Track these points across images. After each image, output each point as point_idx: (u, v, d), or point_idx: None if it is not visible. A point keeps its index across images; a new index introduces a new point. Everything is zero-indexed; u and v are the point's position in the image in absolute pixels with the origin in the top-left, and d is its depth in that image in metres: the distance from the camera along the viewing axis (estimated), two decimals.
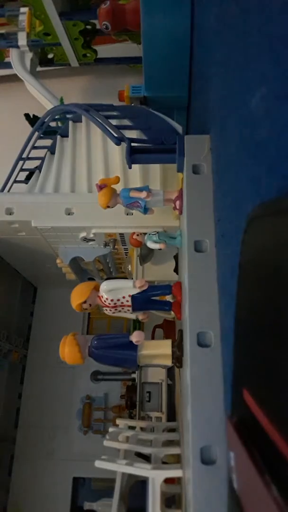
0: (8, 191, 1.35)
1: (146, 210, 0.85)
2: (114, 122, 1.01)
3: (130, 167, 0.82)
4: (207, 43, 0.79)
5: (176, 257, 1.08)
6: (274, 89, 0.33)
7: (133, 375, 1.46)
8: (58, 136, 1.31)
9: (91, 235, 1.12)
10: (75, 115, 1.25)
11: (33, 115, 1.86)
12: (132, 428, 1.07)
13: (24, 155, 1.38)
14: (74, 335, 0.79)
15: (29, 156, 1.39)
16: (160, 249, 0.89)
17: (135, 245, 1.01)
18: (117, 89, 1.41)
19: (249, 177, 0.41)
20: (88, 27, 1.89)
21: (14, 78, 1.98)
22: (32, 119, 1.86)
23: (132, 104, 1.35)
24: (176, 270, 1.08)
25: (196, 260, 0.62)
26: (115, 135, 0.88)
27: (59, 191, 1.18)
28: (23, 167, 1.39)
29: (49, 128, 1.40)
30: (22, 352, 1.71)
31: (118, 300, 0.80)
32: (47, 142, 1.38)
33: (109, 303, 0.80)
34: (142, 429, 1.09)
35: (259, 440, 0.31)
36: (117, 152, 1.10)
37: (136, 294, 0.80)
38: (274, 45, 0.33)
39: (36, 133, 1.40)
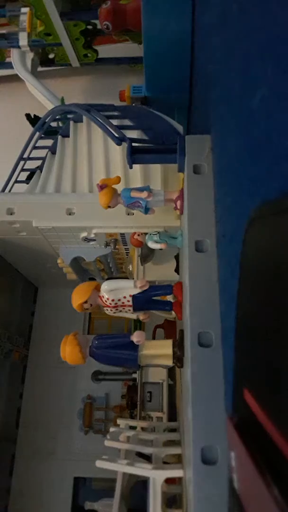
0: (9, 191, 1.35)
1: (147, 210, 0.85)
2: (115, 122, 1.01)
3: (131, 167, 0.82)
4: (208, 43, 0.79)
5: (177, 257, 1.08)
6: (274, 89, 0.33)
7: (134, 375, 1.46)
8: (59, 136, 1.31)
9: (92, 235, 1.12)
10: (76, 115, 1.25)
11: (34, 115, 1.86)
12: (133, 428, 1.07)
13: (25, 155, 1.39)
14: (75, 335, 0.79)
15: (30, 156, 1.39)
16: (161, 249, 0.89)
17: (136, 245, 1.01)
18: (118, 89, 1.41)
19: (250, 177, 0.41)
20: (89, 27, 1.89)
21: (15, 78, 1.99)
22: (33, 119, 1.86)
23: (133, 104, 1.35)
24: (177, 270, 1.08)
25: (197, 260, 0.62)
26: (116, 135, 0.88)
27: (60, 191, 1.18)
28: (24, 167, 1.40)
29: (50, 128, 1.40)
30: (23, 352, 1.71)
31: (119, 300, 0.80)
32: (48, 142, 1.38)
33: (110, 303, 0.80)
34: (143, 429, 1.09)
35: (260, 440, 0.31)
36: (118, 152, 1.10)
37: (137, 294, 0.80)
38: (274, 44, 0.33)
39: (37, 133, 1.40)
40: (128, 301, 0.80)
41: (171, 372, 1.31)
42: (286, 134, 0.30)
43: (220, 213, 0.60)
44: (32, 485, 1.58)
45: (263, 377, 0.33)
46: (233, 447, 0.37)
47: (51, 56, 2.11)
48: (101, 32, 1.84)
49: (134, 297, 0.80)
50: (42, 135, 1.40)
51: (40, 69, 2.05)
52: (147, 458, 0.86)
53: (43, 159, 1.35)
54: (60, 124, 1.45)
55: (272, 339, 0.31)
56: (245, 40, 0.43)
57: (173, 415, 1.25)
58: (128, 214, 1.04)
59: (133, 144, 0.80)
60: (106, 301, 0.80)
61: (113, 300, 0.80)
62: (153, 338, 1.45)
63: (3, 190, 1.34)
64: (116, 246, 1.21)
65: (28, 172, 1.43)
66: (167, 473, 0.75)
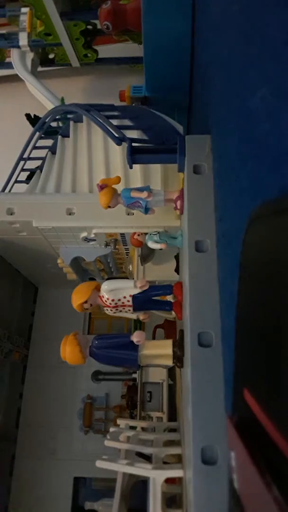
0: (9, 191, 1.35)
1: (147, 210, 0.85)
2: (115, 122, 1.01)
3: (131, 167, 0.82)
4: (208, 43, 0.79)
5: (177, 257, 1.08)
6: (275, 89, 0.33)
7: (134, 375, 1.46)
8: (59, 136, 1.31)
9: (92, 235, 1.12)
10: (76, 115, 1.25)
11: (34, 115, 1.86)
12: (133, 428, 1.07)
13: (25, 155, 1.39)
14: (75, 335, 0.78)
15: (30, 156, 1.39)
16: (161, 249, 0.89)
17: (136, 245, 1.01)
18: (118, 89, 1.41)
19: (250, 176, 0.41)
20: (89, 27, 1.90)
21: (15, 78, 1.99)
22: (33, 119, 1.86)
23: (133, 104, 1.35)
24: (177, 270, 1.08)
25: (197, 260, 0.62)
26: (116, 135, 0.88)
27: (60, 191, 1.18)
28: (24, 167, 1.40)
29: (50, 128, 1.40)
30: (23, 352, 1.71)
31: (119, 300, 0.80)
32: (48, 142, 1.38)
33: (110, 303, 0.80)
34: (143, 429, 1.09)
35: (260, 440, 0.31)
36: (118, 152, 1.10)
37: (137, 294, 0.80)
38: (275, 44, 0.33)
39: (37, 133, 1.41)
40: (128, 301, 0.80)
41: (171, 372, 1.31)
42: (286, 134, 0.30)
43: (220, 213, 0.60)
44: (32, 485, 1.58)
45: (263, 377, 0.33)
46: (233, 447, 0.37)
47: (51, 56, 2.11)
48: (101, 32, 1.84)
49: (134, 297, 0.80)
50: (42, 135, 1.40)
51: (40, 69, 2.05)
52: (147, 458, 0.86)
53: (43, 159, 1.35)
54: (60, 124, 1.45)
55: (272, 339, 0.31)
56: (246, 39, 0.43)
57: (173, 415, 1.25)
58: (128, 214, 1.04)
59: (133, 144, 0.80)
60: (106, 301, 0.80)
61: (113, 300, 0.80)
62: (153, 338, 1.45)
63: (3, 190, 1.34)
64: (116, 246, 1.21)
65: (28, 172, 1.43)
66: (167, 473, 0.75)
